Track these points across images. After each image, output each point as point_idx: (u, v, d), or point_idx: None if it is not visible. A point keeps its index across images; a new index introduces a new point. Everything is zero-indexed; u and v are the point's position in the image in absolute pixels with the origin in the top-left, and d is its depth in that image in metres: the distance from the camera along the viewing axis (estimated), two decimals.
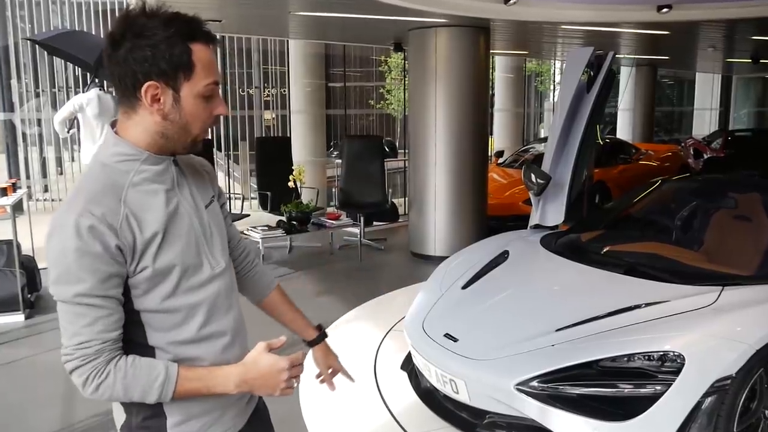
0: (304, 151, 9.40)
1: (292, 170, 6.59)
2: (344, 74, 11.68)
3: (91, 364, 1.21)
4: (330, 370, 1.84)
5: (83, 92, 6.18)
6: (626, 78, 16.10)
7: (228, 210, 1.64)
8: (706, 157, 12.71)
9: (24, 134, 9.42)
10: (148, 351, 1.30)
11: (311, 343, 1.79)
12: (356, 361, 4.09)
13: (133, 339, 1.29)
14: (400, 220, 8.59)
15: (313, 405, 3.51)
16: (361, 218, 7.53)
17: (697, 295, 2.87)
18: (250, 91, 14.79)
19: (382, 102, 20.37)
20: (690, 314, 2.75)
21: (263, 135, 10.78)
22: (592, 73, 4.50)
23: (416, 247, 7.05)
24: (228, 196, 7.97)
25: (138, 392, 1.24)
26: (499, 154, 10.42)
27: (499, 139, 14.19)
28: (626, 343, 2.64)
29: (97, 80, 6.26)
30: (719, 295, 2.85)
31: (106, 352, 1.22)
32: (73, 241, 1.17)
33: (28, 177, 9.76)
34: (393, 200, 8.93)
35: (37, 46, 7.06)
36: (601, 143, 9.20)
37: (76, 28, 9.05)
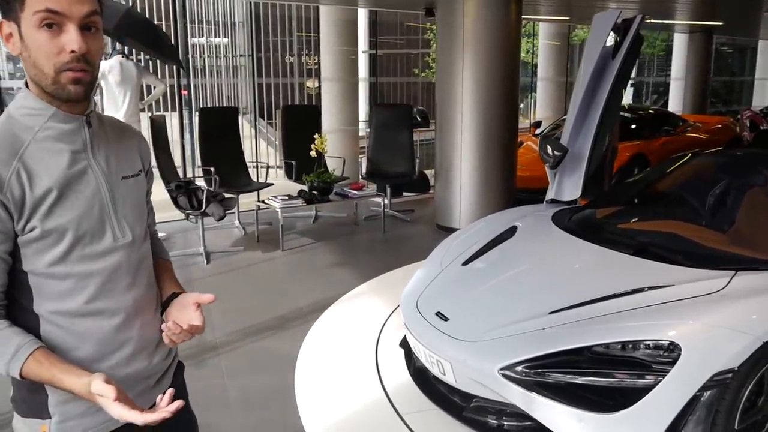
0: (334, 120, 9.27)
1: (314, 139, 6.48)
2: (376, 42, 11.44)
3: None
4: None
5: (105, 59, 6.18)
6: (683, 45, 15.37)
7: (150, 189, 1.52)
8: (761, 129, 12.05)
9: None
10: (31, 318, 1.25)
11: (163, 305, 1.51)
12: (360, 335, 4.01)
13: (18, 302, 1.25)
14: (430, 192, 8.41)
15: (307, 378, 3.44)
16: (388, 189, 7.41)
17: (705, 280, 2.65)
18: (291, 59, 14.72)
19: (426, 70, 20.02)
20: (694, 300, 2.54)
21: (295, 103, 10.66)
22: (618, 38, 4.22)
23: (441, 220, 6.89)
24: (256, 164, 7.93)
25: None
26: (537, 124, 10.10)
27: (541, 109, 13.78)
28: (621, 330, 2.46)
29: (118, 47, 6.25)
30: (730, 281, 2.62)
31: None
32: None
33: None
34: (425, 171, 8.77)
35: None
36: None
37: None
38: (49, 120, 1.23)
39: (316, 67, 11.09)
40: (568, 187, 4.10)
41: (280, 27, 13.53)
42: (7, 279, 1.22)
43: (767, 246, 3.08)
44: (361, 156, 9.06)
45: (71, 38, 1.17)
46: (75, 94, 1.21)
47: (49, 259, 1.22)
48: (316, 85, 11.38)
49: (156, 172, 5.44)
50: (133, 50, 7.68)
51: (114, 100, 6.15)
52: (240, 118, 8.25)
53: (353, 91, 9.65)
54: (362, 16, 13.18)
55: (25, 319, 1.24)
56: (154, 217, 1.57)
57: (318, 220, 7.33)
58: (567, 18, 12.31)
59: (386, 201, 7.22)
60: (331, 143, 7.23)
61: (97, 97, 6.27)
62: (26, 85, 1.25)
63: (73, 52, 1.17)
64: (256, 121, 10.43)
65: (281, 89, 11.04)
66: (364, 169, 7.66)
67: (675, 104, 15.90)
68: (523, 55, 18.49)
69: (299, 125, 7.46)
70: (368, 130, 8.60)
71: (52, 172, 1.21)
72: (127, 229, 1.32)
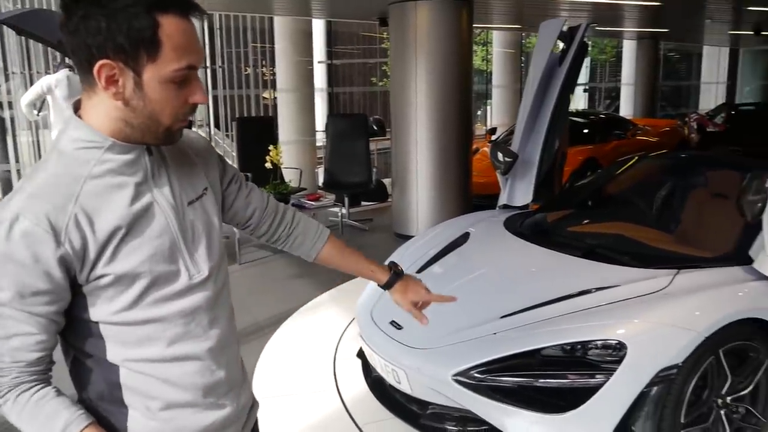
0: (291, 131, 9.24)
1: (269, 151, 6.46)
2: (332, 52, 11.46)
3: None
4: (418, 304, 1.61)
5: (52, 73, 6.05)
6: (632, 51, 15.79)
7: (242, 183, 1.43)
8: (708, 131, 12.43)
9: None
10: (108, 368, 1.13)
11: (384, 287, 1.60)
12: (318, 347, 3.99)
13: (89, 354, 1.13)
14: (388, 200, 8.45)
15: (265, 392, 3.41)
16: (346, 199, 7.42)
17: (649, 279, 2.72)
18: (248, 70, 14.62)
19: (384, 80, 20.14)
20: (639, 300, 2.60)
21: (252, 114, 10.61)
22: (565, 46, 4.32)
23: (399, 228, 6.91)
24: None
25: None
26: (493, 131, 10.21)
27: (497, 116, 13.97)
28: (570, 331, 2.51)
29: (66, 60, 6.13)
30: (673, 279, 2.70)
31: (14, 373, 1.05)
32: (1, 243, 1.01)
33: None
34: (383, 180, 8.80)
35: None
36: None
37: (44, 6, 8.84)
38: (107, 152, 1.08)
39: (272, 78, 11.03)
40: (520, 192, 4.16)
41: (235, 38, 13.45)
42: (56, 340, 1.11)
43: (708, 244, 3.18)
44: (318, 166, 9.05)
45: (198, 91, 1.10)
46: (178, 139, 1.15)
47: (120, 306, 1.10)
48: (273, 95, 11.34)
49: None
50: None
51: (61, 115, 6.02)
52: (196, 130, 8.17)
53: (310, 102, 9.64)
54: (318, 26, 13.19)
55: (100, 372, 1.14)
56: (260, 198, 1.46)
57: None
58: (518, 26, 12.53)
59: (344, 211, 7.23)
60: (288, 154, 7.22)
61: (44, 112, 6.13)
62: (75, 112, 1.11)
63: (195, 104, 1.11)
64: (212, 133, 10.33)
65: (237, 101, 10.95)
66: (321, 180, 7.65)
67: (626, 108, 16.30)
68: (478, 63, 18.77)
69: (255, 137, 7.41)
70: (325, 140, 8.61)
71: (116, 209, 1.08)
72: (201, 264, 1.19)
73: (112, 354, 1.13)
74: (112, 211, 1.07)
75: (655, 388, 2.37)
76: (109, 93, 1.05)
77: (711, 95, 21.29)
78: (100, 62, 1.02)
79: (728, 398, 2.59)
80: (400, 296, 1.60)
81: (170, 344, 1.16)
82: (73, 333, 1.13)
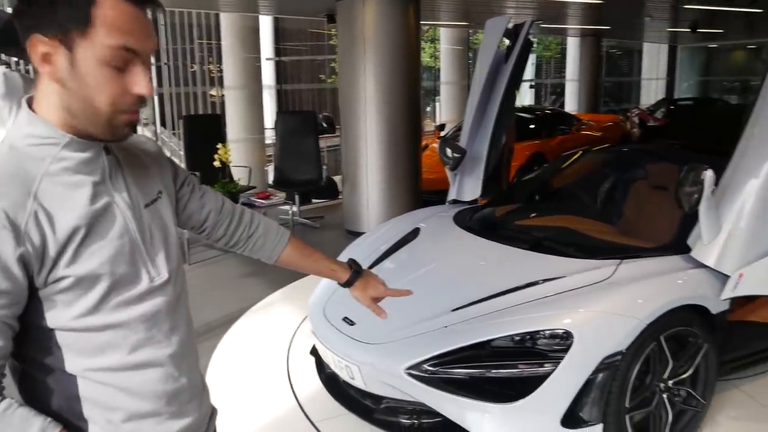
0: (240, 129, 9.15)
1: (217, 149, 6.37)
2: (280, 48, 11.38)
3: None
4: (377, 300, 1.66)
5: None
6: (576, 48, 16.15)
7: (195, 186, 1.40)
8: (649, 126, 12.84)
9: None
10: (65, 379, 1.07)
11: (345, 285, 1.62)
12: (271, 346, 3.97)
13: (45, 363, 1.07)
14: (339, 197, 8.44)
15: (218, 393, 3.37)
16: (296, 196, 7.38)
17: (594, 270, 2.81)
18: (194, 67, 14.37)
19: (333, 76, 20.07)
20: (584, 290, 2.68)
21: (199, 112, 10.45)
22: (510, 43, 4.40)
23: (350, 225, 6.92)
24: None
25: None
26: (442, 127, 10.33)
27: (446, 112, 14.11)
28: (519, 322, 2.56)
29: (2, 56, 5.91)
30: (616, 269, 2.79)
31: None
32: None
33: None
34: (333, 177, 8.78)
35: None
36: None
37: None
38: (63, 149, 1.04)
39: (219, 75, 10.87)
40: (468, 187, 4.22)
41: (180, 35, 13.20)
42: (11, 348, 1.03)
43: (649, 235, 3.29)
44: (267, 164, 8.98)
45: (140, 81, 1.03)
46: (126, 136, 1.09)
47: (80, 310, 1.05)
48: (221, 93, 11.18)
49: None
50: (20, 61, 7.28)
51: None
52: (141, 129, 8.00)
53: (258, 99, 9.57)
54: (265, 23, 13.07)
55: (56, 384, 1.08)
56: (222, 199, 1.45)
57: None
58: (465, 23, 12.67)
59: (295, 209, 7.20)
60: (237, 152, 7.15)
61: None
62: (28, 105, 1.06)
63: (140, 96, 1.04)
64: (158, 131, 10.13)
65: (184, 98, 10.76)
66: (271, 178, 7.59)
67: (571, 104, 16.68)
68: (426, 59, 18.89)
69: (202, 135, 7.29)
70: (274, 138, 8.55)
71: (75, 208, 1.03)
72: (160, 267, 1.16)
73: (71, 364, 1.07)
74: (71, 210, 1.03)
75: (601, 375, 2.45)
76: (45, 72, 1.01)
77: (651, 91, 21.99)
78: (33, 37, 0.99)
79: (670, 382, 2.69)
80: (360, 293, 1.63)
81: (132, 351, 1.11)
82: (25, 343, 1.06)
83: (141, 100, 1.05)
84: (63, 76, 1.00)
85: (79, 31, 0.98)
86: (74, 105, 1.02)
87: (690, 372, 2.74)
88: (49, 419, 1.03)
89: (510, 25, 4.36)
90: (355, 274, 1.61)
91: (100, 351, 1.08)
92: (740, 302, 3.04)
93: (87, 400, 1.09)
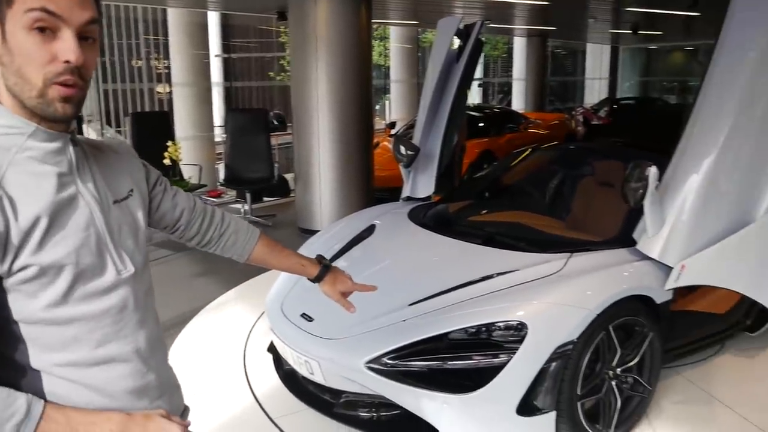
0: (188, 126, 9.02)
1: (167, 147, 6.28)
2: (229, 45, 11.26)
3: None
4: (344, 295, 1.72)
5: None
6: (523, 48, 16.46)
7: (167, 185, 1.42)
8: (593, 124, 13.21)
9: None
10: (30, 375, 1.06)
11: (315, 281, 1.67)
12: (227, 344, 3.95)
13: (10, 357, 1.05)
14: (291, 195, 8.42)
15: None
16: (248, 194, 7.33)
17: (545, 263, 2.91)
18: (139, 63, 14.07)
19: (282, 74, 19.92)
20: (537, 282, 2.78)
21: (145, 109, 10.26)
22: (462, 43, 4.48)
23: (303, 223, 6.92)
24: None
25: None
26: (392, 125, 10.40)
27: (395, 110, 14.20)
28: (474, 315, 2.64)
29: None
30: (567, 262, 2.89)
31: None
32: None
33: None
34: (284, 175, 8.75)
35: None
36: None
37: None
38: (29, 139, 1.04)
39: (166, 71, 10.68)
40: (422, 184, 4.29)
41: (126, 29, 12.91)
42: None
43: (597, 229, 3.41)
44: (218, 162, 8.88)
45: (67, 46, 1.01)
46: (62, 113, 1.05)
47: (46, 302, 1.04)
48: (168, 90, 11.00)
49: None
50: None
51: None
52: (85, 126, 7.81)
53: (207, 96, 9.45)
54: (212, 19, 12.90)
55: (19, 378, 1.05)
56: (194, 199, 1.48)
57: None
58: (415, 22, 12.78)
59: (246, 207, 7.15)
60: (187, 150, 7.06)
61: None
62: None
63: (67, 62, 1.01)
64: (102, 129, 9.89)
65: (130, 95, 10.55)
66: (222, 176, 7.52)
67: (518, 103, 17.01)
68: (376, 58, 18.95)
69: (150, 132, 7.17)
70: (225, 135, 8.47)
71: (39, 198, 1.02)
72: (127, 260, 1.16)
73: (36, 359, 1.06)
74: (36, 199, 1.03)
75: (554, 364, 2.54)
76: None
77: (594, 90, 22.61)
78: None
79: (618, 370, 2.81)
80: (330, 287, 1.68)
81: (98, 346, 1.11)
82: None
83: (72, 71, 1.03)
84: (0, 53, 1.01)
85: (6, 4, 0.99)
86: (11, 80, 1.02)
87: (637, 359, 2.86)
88: (30, 394, 1.01)
89: (461, 26, 4.44)
90: (324, 269, 1.66)
91: (66, 345, 1.08)
92: (682, 292, 3.20)
93: (52, 395, 1.07)
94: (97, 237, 1.10)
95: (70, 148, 1.10)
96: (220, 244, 1.54)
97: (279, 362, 3.29)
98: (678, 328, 3.18)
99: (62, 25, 1.01)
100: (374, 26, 15.19)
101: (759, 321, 3.60)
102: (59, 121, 1.07)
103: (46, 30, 1.00)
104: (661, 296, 2.91)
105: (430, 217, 3.85)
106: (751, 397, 3.26)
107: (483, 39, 4.59)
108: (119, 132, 10.44)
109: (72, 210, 1.07)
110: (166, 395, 1.28)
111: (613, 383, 2.79)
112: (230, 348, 3.90)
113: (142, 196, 1.29)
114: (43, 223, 1.02)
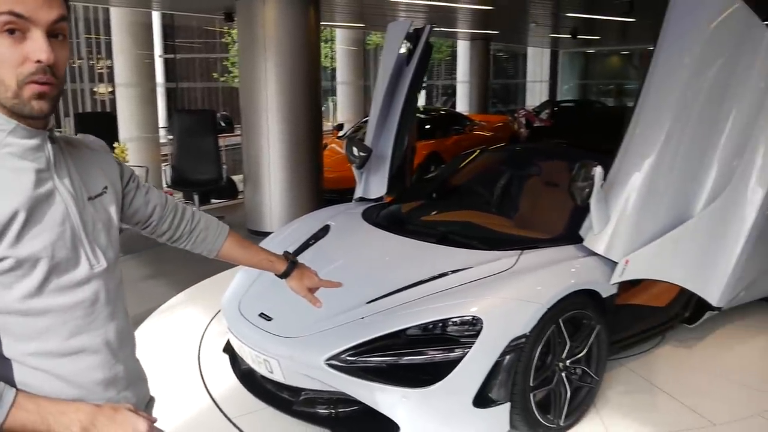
0: (133, 127, 8.84)
1: (114, 148, 6.15)
2: (174, 45, 11.09)
3: None
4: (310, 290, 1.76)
5: None
6: (466, 51, 16.73)
7: (139, 182, 1.44)
8: (535, 126, 13.56)
9: None
10: (2, 364, 1.08)
11: (282, 276, 1.70)
12: (180, 346, 3.92)
13: None
14: (239, 197, 8.36)
15: None
16: (195, 196, 7.25)
17: (498, 260, 3.01)
18: (79, 63, 13.68)
19: (226, 75, 19.68)
20: (490, 279, 2.87)
21: (86, 110, 10.00)
22: (411, 46, 4.56)
23: (253, 224, 6.89)
24: None
25: None
26: (340, 126, 10.43)
27: (342, 112, 14.23)
28: (431, 311, 2.71)
29: None
30: (518, 259, 3.00)
31: None
32: None
33: None
34: (232, 177, 8.68)
35: None
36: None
37: None
38: (9, 135, 1.07)
39: (108, 71, 10.43)
40: (375, 185, 4.35)
41: None
42: None
43: (545, 227, 3.54)
44: (164, 164, 8.73)
45: (37, 46, 1.03)
46: (38, 110, 1.07)
47: (21, 293, 1.07)
48: (109, 90, 10.74)
49: None
50: None
51: None
52: None
53: (151, 97, 9.28)
54: (154, 19, 12.65)
55: None
56: (165, 195, 1.50)
57: (123, 232, 6.89)
58: (362, 25, 12.85)
59: (194, 209, 7.04)
60: (132, 152, 6.91)
61: None
62: None
63: (39, 62, 1.03)
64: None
65: (70, 95, 10.26)
66: (168, 178, 7.40)
67: (462, 105, 17.28)
68: (322, 60, 18.94)
69: (94, 134, 6.92)
70: (169, 137, 8.35)
71: (18, 193, 1.06)
72: (100, 255, 1.20)
73: (8, 348, 1.09)
74: (15, 193, 1.06)
75: (508, 357, 2.64)
76: None
77: (536, 93, 23.15)
78: None
79: (567, 361, 2.93)
80: (297, 283, 1.72)
81: (70, 337, 1.14)
82: None
83: (44, 70, 1.05)
84: None
85: None
86: None
87: (585, 351, 2.99)
88: (2, 382, 1.04)
89: (411, 30, 4.52)
90: (291, 265, 1.70)
91: (39, 336, 1.10)
92: (625, 286, 3.36)
93: (23, 384, 1.09)
94: (72, 232, 1.14)
95: (48, 145, 1.13)
96: (190, 240, 1.57)
97: (236, 362, 3.30)
98: (622, 321, 3.34)
99: (31, 26, 1.03)
100: (321, 28, 15.19)
101: (696, 313, 3.79)
102: (36, 118, 1.09)
103: (15, 32, 1.02)
104: (606, 290, 3.05)
105: (384, 217, 3.91)
106: (689, 385, 3.45)
107: (431, 43, 4.68)
108: (60, 132, 10.15)
109: (49, 205, 1.11)
110: (133, 386, 1.31)
111: (563, 375, 2.91)
112: (184, 350, 3.87)
113: (116, 192, 1.32)
114: (20, 218, 1.05)
